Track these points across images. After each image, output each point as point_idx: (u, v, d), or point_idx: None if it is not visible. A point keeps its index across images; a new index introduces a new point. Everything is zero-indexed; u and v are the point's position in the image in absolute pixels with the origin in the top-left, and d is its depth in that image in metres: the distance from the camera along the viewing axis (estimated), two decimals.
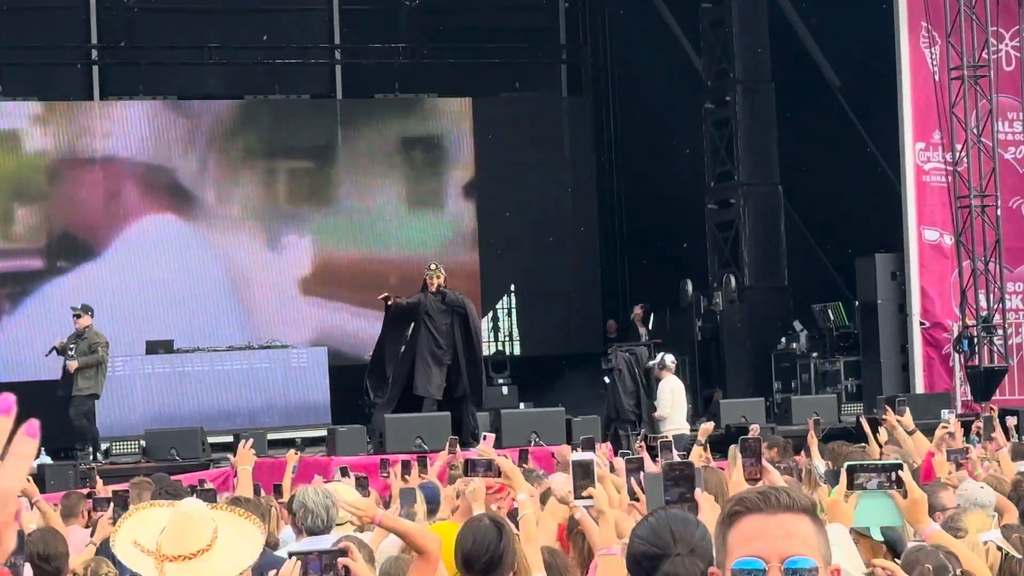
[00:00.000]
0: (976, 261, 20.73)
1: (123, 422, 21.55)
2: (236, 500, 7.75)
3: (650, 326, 24.28)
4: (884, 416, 11.95)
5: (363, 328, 24.16)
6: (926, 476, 9.18)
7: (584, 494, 5.71)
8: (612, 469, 8.31)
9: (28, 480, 9.56)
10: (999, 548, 5.58)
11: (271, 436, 20.02)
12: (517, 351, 26.45)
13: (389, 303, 19.11)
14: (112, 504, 8.00)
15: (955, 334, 20.95)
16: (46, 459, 19.09)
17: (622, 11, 26.60)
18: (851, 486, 4.71)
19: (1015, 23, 21.46)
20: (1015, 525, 6.65)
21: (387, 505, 9.56)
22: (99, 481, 9.63)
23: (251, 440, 8.70)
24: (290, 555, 5.25)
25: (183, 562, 4.41)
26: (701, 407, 22.95)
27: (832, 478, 7.34)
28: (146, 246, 24.77)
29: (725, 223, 24.23)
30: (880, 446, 12.46)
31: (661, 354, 19.97)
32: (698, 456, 10.60)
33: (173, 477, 15.98)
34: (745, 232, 23.77)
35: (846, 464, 4.87)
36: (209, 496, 7.14)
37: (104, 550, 7.96)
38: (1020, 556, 5.67)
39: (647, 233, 26.18)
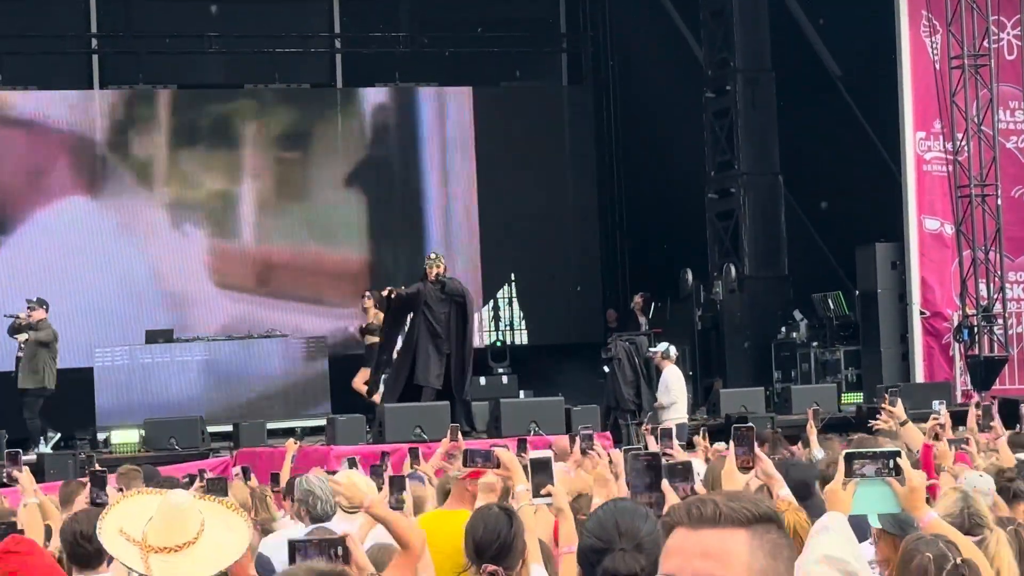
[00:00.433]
0: (976, 250, 20.71)
1: (123, 411, 21.55)
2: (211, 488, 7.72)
3: (650, 315, 24.27)
4: (883, 405, 11.94)
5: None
6: (924, 469, 9.16)
7: (543, 492, 5.70)
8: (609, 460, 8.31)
9: (26, 471, 9.54)
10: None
11: (270, 425, 20.03)
12: (517, 340, 26.43)
13: (392, 296, 19.12)
14: (90, 485, 7.98)
15: (955, 323, 20.94)
16: (45, 449, 19.09)
17: (622, 0, 26.58)
18: (849, 473, 4.70)
19: (1016, 12, 21.43)
20: (1009, 518, 6.65)
21: None
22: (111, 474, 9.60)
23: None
24: (289, 543, 5.24)
25: (168, 554, 4.38)
26: (701, 397, 22.95)
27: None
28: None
29: (725, 212, 24.21)
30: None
31: (666, 344, 19.97)
32: (700, 453, 10.60)
33: (173, 466, 16.01)
34: (745, 221, 23.75)
35: (843, 452, 4.86)
36: (219, 485, 7.10)
37: None
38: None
39: (647, 222, 26.16)
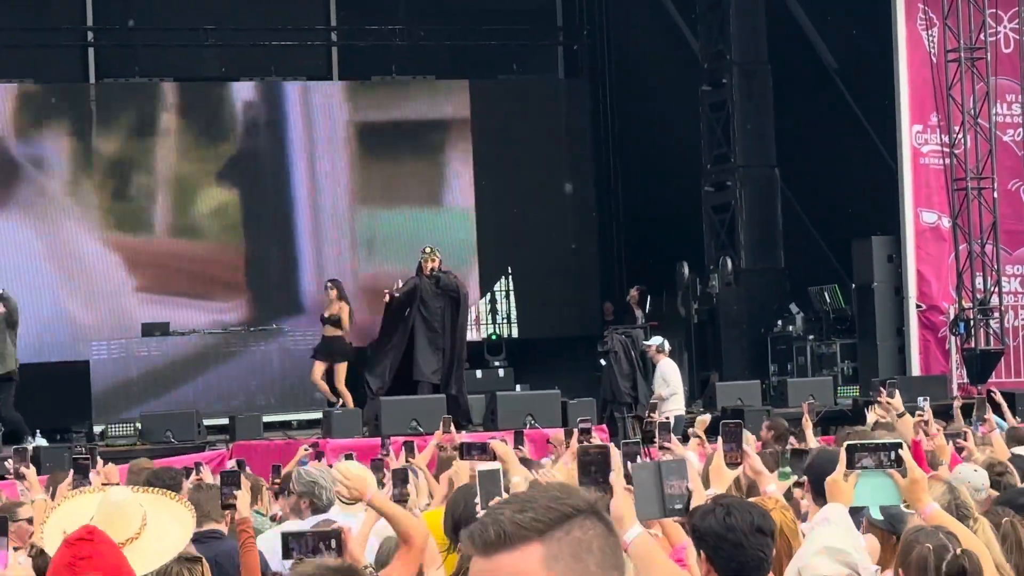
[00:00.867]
0: (973, 244, 20.71)
1: (119, 405, 21.54)
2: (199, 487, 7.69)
3: (646, 308, 24.27)
4: (879, 398, 11.95)
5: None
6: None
7: (492, 503, 5.67)
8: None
9: (27, 465, 9.53)
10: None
11: (266, 418, 20.02)
12: (514, 333, 26.43)
13: (389, 301, 19.04)
14: (72, 472, 7.98)
15: (951, 317, 20.95)
16: (41, 441, 19.06)
17: None
18: (850, 465, 4.69)
19: (1013, 5, 21.42)
20: (1001, 509, 6.65)
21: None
22: (100, 462, 9.57)
23: None
24: (283, 536, 5.23)
25: None
26: (697, 390, 22.95)
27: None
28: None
29: (721, 206, 24.20)
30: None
31: (660, 338, 19.98)
32: (695, 447, 10.59)
33: (169, 459, 15.98)
34: (741, 215, 23.74)
35: (845, 443, 4.85)
36: (233, 478, 7.07)
37: None
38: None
39: (643, 215, 26.15)
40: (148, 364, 22.36)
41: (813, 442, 12.45)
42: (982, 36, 20.79)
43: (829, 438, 14.57)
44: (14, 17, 23.87)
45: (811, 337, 22.70)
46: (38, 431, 19.43)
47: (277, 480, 11.35)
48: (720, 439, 6.03)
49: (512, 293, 26.59)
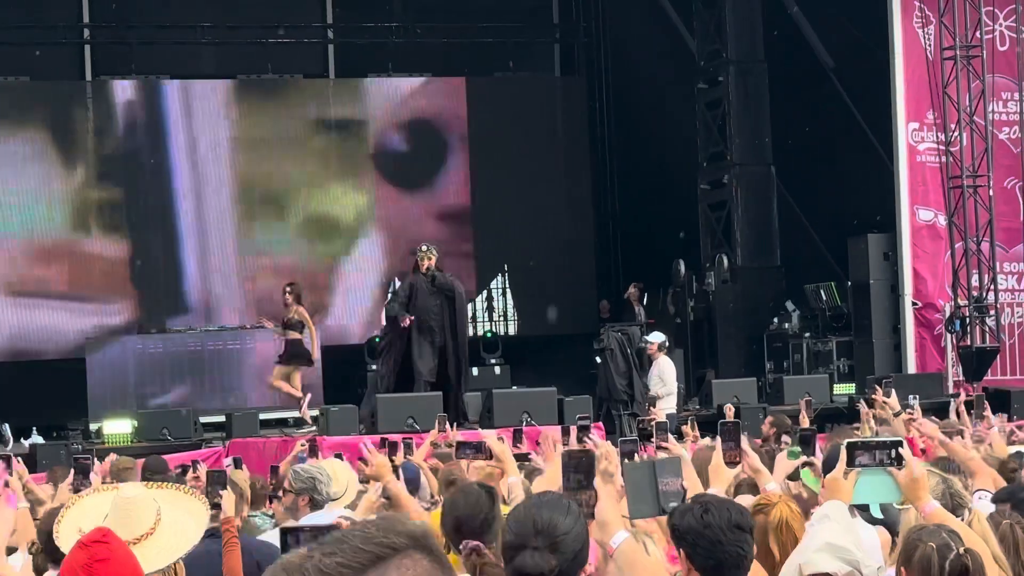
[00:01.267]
0: (968, 241, 20.72)
1: (115, 402, 21.54)
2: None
3: (645, 305, 24.30)
4: (874, 396, 11.96)
5: None
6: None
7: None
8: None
9: (18, 461, 9.52)
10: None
11: (263, 416, 20.01)
12: (511, 331, 26.43)
13: (406, 324, 18.86)
14: (73, 471, 7.97)
15: (947, 314, 20.96)
16: (37, 439, 19.07)
17: None
18: (851, 463, 4.70)
19: (1010, 3, 21.43)
20: (1006, 510, 6.65)
21: None
22: (97, 461, 9.57)
23: None
24: (281, 531, 5.24)
25: (128, 547, 4.39)
26: (693, 387, 22.97)
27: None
28: None
29: (718, 203, 24.21)
30: (871, 429, 12.48)
31: (663, 336, 19.98)
32: (690, 444, 10.60)
33: (165, 457, 15.96)
34: (738, 212, 23.75)
35: (846, 441, 4.87)
36: (219, 477, 7.11)
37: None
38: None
39: (640, 213, 26.17)
40: (144, 361, 22.35)
41: None
42: (978, 34, 20.79)
43: (820, 437, 14.56)
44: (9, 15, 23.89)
45: (807, 334, 22.72)
46: (34, 429, 19.44)
47: (275, 480, 11.33)
48: (719, 438, 6.04)
49: (508, 290, 26.60)
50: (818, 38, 23.16)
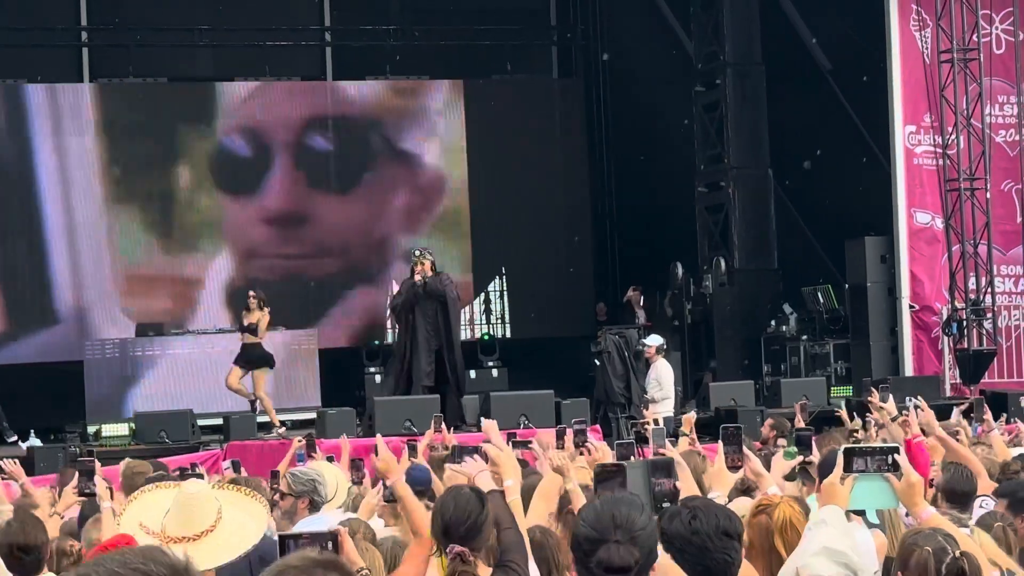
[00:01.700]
0: (966, 244, 20.74)
1: (112, 405, 21.53)
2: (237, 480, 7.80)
3: (642, 307, 24.34)
4: (870, 399, 11.96)
5: None
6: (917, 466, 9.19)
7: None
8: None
9: (15, 463, 9.52)
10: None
11: (260, 419, 20.00)
12: (508, 334, 26.44)
13: (393, 309, 18.94)
14: (77, 475, 7.97)
15: (944, 317, 20.98)
16: (35, 441, 19.07)
17: None
18: (848, 469, 4.72)
19: (1006, 6, 21.45)
20: (999, 513, 6.66)
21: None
22: (97, 463, 9.56)
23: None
24: (280, 537, 5.25)
25: (188, 543, 4.43)
26: (691, 390, 22.97)
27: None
28: None
29: (715, 206, 24.22)
30: (855, 431, 12.50)
31: (661, 340, 19.99)
32: (685, 446, 10.59)
33: (163, 460, 15.96)
34: (735, 215, 23.76)
35: (843, 447, 4.88)
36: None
37: (68, 524, 7.95)
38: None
39: (637, 215, 26.17)
40: (142, 364, 22.34)
41: None
42: (975, 37, 20.81)
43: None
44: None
45: (804, 337, 22.73)
46: (32, 431, 19.43)
47: (275, 485, 11.31)
48: (721, 443, 6.05)
49: (506, 293, 26.60)
50: (815, 41, 23.18)
